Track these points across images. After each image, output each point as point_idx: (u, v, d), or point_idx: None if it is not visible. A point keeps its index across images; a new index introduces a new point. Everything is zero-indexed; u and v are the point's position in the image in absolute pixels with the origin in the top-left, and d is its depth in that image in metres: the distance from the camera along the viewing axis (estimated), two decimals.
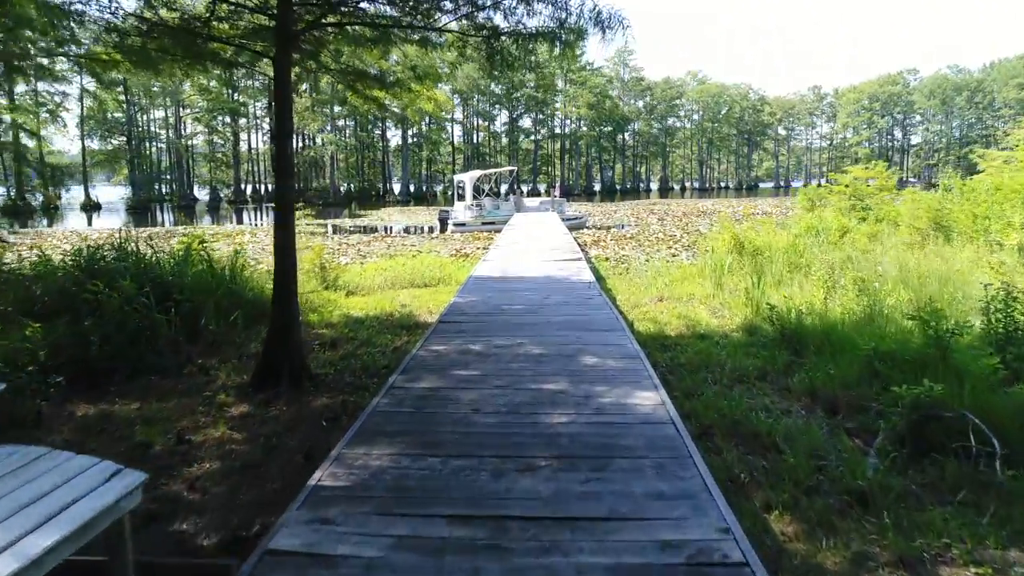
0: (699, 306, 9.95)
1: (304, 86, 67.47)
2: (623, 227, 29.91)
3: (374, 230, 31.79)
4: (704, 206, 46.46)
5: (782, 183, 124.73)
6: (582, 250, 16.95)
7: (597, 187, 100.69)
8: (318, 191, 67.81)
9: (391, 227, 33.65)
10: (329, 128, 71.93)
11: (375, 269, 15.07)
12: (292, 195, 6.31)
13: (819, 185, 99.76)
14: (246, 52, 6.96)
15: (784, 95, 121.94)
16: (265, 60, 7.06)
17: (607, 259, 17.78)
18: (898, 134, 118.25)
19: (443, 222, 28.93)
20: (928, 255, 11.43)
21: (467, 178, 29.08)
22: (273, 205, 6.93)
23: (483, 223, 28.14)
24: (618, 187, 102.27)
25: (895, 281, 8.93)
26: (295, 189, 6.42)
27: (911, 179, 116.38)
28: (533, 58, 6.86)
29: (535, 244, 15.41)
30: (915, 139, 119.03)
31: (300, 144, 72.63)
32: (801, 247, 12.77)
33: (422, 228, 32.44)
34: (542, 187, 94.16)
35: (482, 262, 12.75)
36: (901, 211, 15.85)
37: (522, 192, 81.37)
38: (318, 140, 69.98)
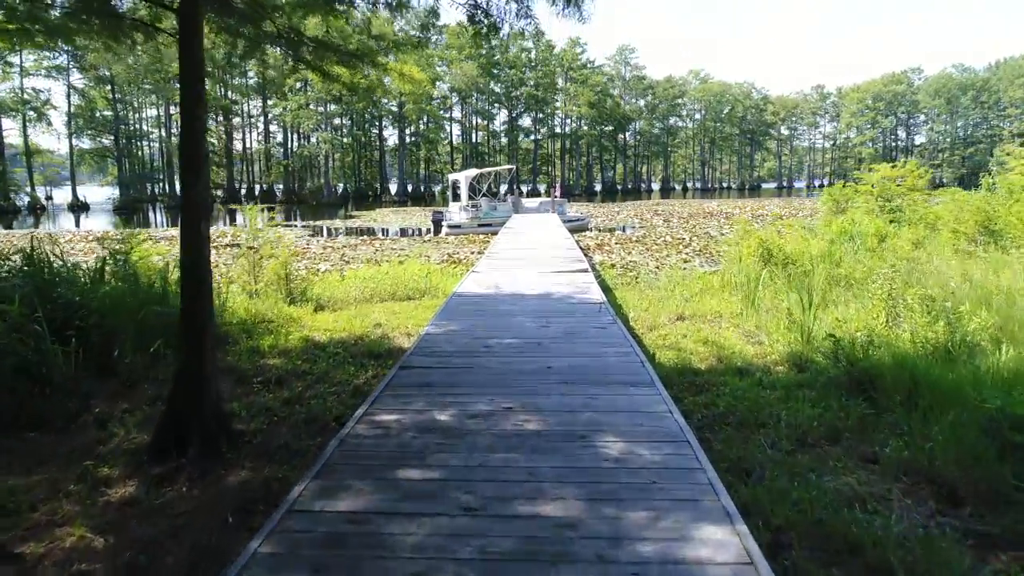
0: (728, 328, 8.35)
1: (298, 84, 65.99)
2: (627, 229, 28.32)
3: (364, 232, 30.19)
4: (709, 207, 44.87)
5: (784, 183, 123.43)
6: (586, 256, 15.38)
7: (598, 187, 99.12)
8: (312, 191, 66.18)
9: (385, 229, 32.05)
10: (325, 127, 70.35)
11: (355, 278, 13.47)
12: (206, 194, 4.66)
13: (829, 185, 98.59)
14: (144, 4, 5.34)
15: (787, 94, 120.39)
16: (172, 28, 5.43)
17: (613, 266, 16.18)
18: (902, 134, 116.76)
19: (437, 224, 27.33)
20: (988, 265, 9.82)
21: (462, 177, 27.48)
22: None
23: (479, 225, 26.55)
24: (619, 187, 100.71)
25: (970, 299, 7.33)
26: (209, 186, 4.70)
27: None
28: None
29: (533, 251, 13.74)
30: (919, 139, 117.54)
31: (294, 143, 71.10)
32: (838, 255, 11.18)
33: (416, 230, 30.84)
34: (542, 187, 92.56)
35: (471, 273, 11.06)
36: (940, 213, 14.25)
37: (521, 192, 79.84)
38: (313, 139, 68.26)
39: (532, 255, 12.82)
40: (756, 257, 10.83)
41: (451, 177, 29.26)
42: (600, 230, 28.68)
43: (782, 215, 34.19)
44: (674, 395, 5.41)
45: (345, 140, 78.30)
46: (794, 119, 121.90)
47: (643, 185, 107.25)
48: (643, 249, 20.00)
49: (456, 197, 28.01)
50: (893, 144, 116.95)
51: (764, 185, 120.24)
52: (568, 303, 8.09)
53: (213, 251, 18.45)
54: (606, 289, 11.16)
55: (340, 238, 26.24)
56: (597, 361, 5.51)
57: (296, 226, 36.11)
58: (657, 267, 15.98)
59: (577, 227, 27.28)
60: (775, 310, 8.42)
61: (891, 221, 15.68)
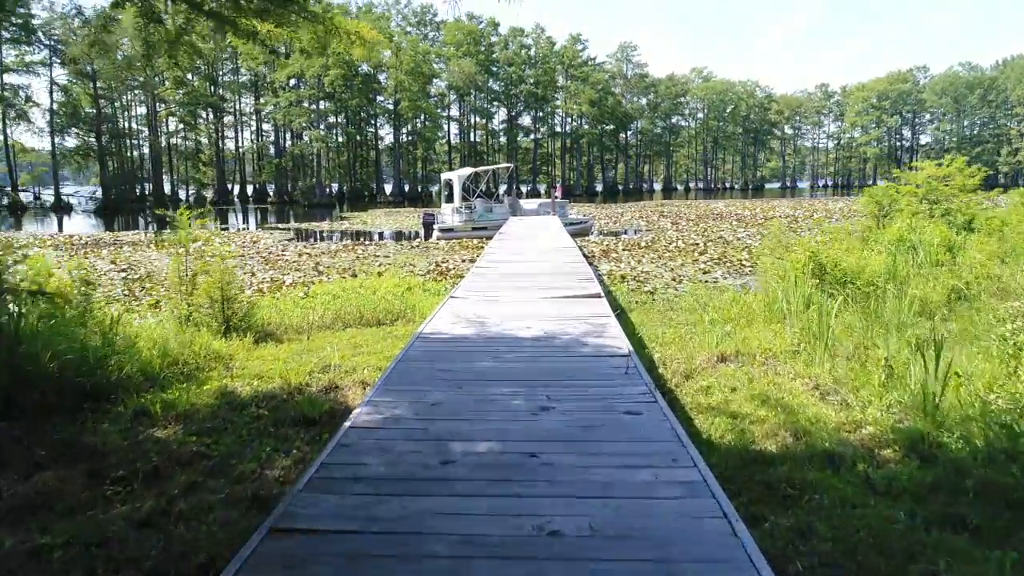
0: (789, 376, 6.26)
1: (292, 81, 63.87)
2: (634, 233, 26.24)
3: (351, 236, 28.10)
4: (717, 208, 42.80)
5: (788, 184, 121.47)
6: (591, 263, 13.29)
7: (599, 187, 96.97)
8: (304, 191, 64.05)
9: (372, 232, 29.97)
10: (318, 125, 68.21)
11: (321, 295, 11.40)
12: None
13: (826, 187, 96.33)
14: None
15: (791, 93, 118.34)
16: None
17: (624, 278, 14.09)
18: (907, 133, 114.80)
19: (427, 227, 25.24)
20: None
21: (455, 176, 25.38)
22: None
23: (474, 228, 24.47)
24: (620, 188, 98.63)
25: None
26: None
27: None
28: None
29: (531, 264, 11.48)
30: (924, 139, 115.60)
31: (288, 141, 68.96)
32: (904, 271, 9.10)
33: (407, 233, 28.75)
34: (542, 187, 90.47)
35: (450, 299, 8.40)
36: (1009, 218, 12.17)
37: (520, 193, 77.76)
38: (305, 137, 66.14)
39: (529, 270, 10.55)
40: (805, 273, 8.73)
41: (444, 176, 27.12)
42: (604, 234, 26.61)
43: (812, 215, 32.12)
44: (748, 513, 3.37)
45: (340, 139, 76.30)
46: (798, 118, 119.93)
47: (645, 185, 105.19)
48: (654, 257, 17.91)
49: (449, 198, 25.94)
50: (898, 144, 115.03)
51: (767, 185, 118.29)
52: (578, 355, 5.43)
53: (149, 262, 16.25)
54: (622, 310, 9.09)
55: (322, 243, 24.15)
56: (638, 510, 2.85)
57: (280, 228, 34.01)
58: (674, 280, 13.90)
59: (579, 231, 25.21)
60: (855, 354, 6.32)
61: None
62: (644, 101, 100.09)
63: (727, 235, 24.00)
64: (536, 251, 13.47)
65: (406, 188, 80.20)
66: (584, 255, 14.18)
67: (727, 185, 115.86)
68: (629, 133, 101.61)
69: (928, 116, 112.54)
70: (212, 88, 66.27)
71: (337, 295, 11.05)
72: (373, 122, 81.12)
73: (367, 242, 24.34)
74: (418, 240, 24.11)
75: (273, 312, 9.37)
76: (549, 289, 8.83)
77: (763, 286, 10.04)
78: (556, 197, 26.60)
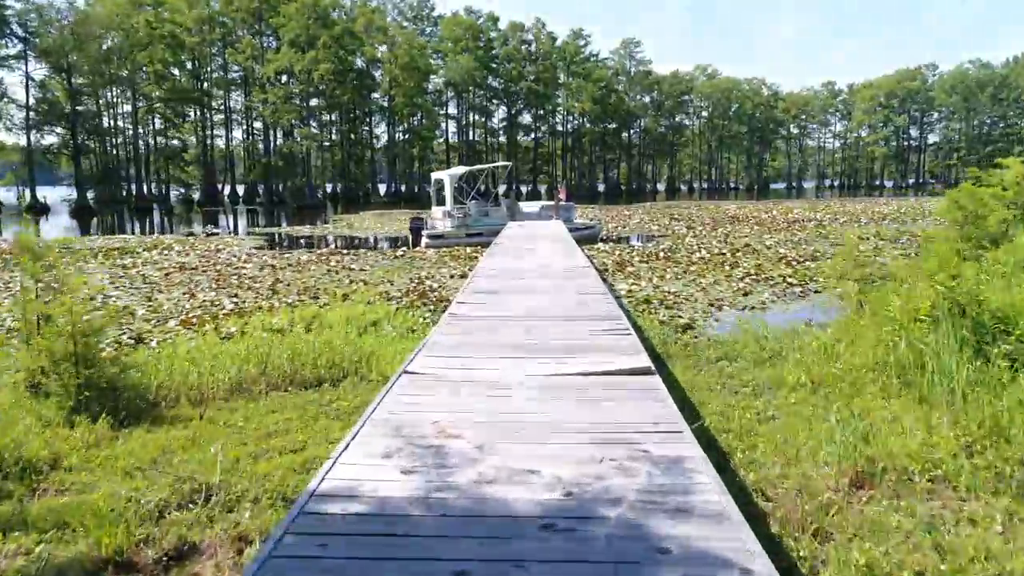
0: (995, 520, 3.49)
1: (284, 78, 61.09)
2: (647, 240, 23.45)
3: (332, 241, 25.34)
4: (730, 211, 39.99)
5: (793, 184, 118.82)
6: (604, 280, 10.48)
7: (601, 188, 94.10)
8: (293, 192, 61.20)
9: (361, 237, 27.19)
10: (308, 122, 65.42)
11: (254, 332, 8.63)
12: None
13: (832, 187, 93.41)
14: None
15: (797, 91, 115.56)
16: None
17: (647, 301, 11.29)
18: (914, 132, 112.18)
19: (415, 232, 22.44)
20: None
21: (447, 176, 22.56)
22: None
23: (467, 235, 21.68)
24: (623, 188, 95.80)
25: None
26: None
27: (929, 179, 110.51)
28: None
29: (533, 299, 8.22)
30: (932, 138, 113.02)
31: (278, 139, 66.12)
32: None
33: (396, 239, 25.98)
34: (543, 188, 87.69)
35: (395, 387, 4.72)
36: None
37: (520, 194, 74.92)
38: (295, 135, 63.30)
39: (531, 309, 7.28)
40: (939, 316, 5.93)
41: (434, 176, 24.22)
42: (613, 240, 23.83)
43: (835, 218, 29.23)
44: None
45: (333, 137, 73.54)
46: (804, 117, 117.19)
47: (648, 186, 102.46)
48: (678, 271, 15.12)
49: (440, 200, 23.15)
50: (906, 143, 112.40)
51: (772, 186, 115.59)
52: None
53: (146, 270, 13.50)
54: (658, 360, 6.32)
55: (297, 251, 21.37)
56: None
57: (262, 233, 31.22)
58: (711, 304, 11.11)
59: (586, 236, 22.44)
60: None
61: None
62: (647, 99, 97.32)
63: (752, 242, 21.21)
64: (539, 272, 10.53)
65: (402, 188, 77.44)
66: (596, 269, 11.37)
67: (732, 185, 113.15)
68: (632, 132, 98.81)
69: (936, 115, 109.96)
70: (198, 84, 63.44)
71: (271, 334, 8.27)
72: (368, 120, 78.35)
73: (347, 250, 21.55)
74: (404, 249, 21.31)
75: (168, 368, 6.59)
76: (564, 356, 5.46)
77: (846, 322, 7.28)
78: (560, 199, 23.80)
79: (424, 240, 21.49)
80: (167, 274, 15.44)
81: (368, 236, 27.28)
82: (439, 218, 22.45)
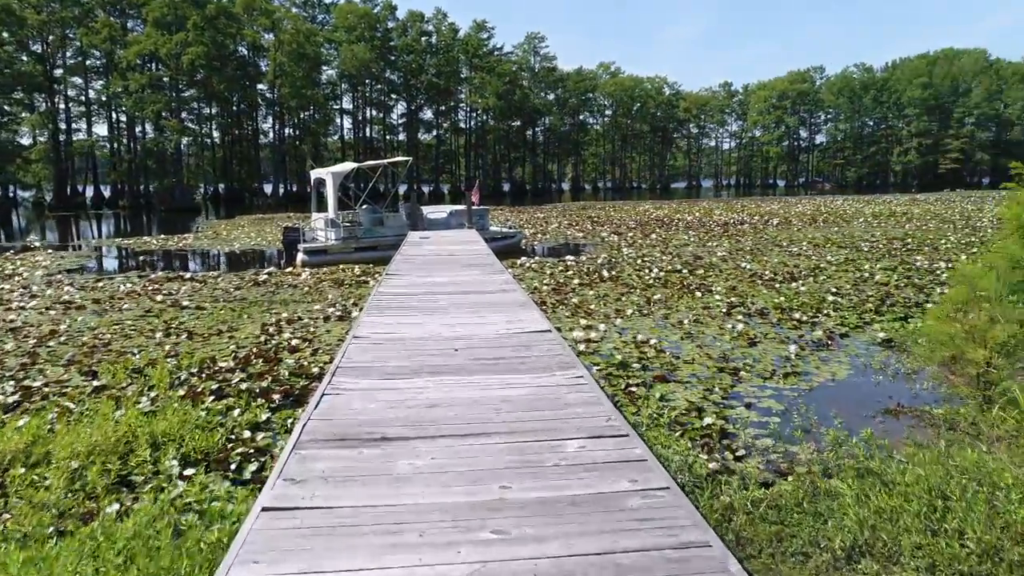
0: None
1: (139, 60, 53.63)
2: (576, 250, 19.71)
3: (184, 257, 20.10)
4: (650, 212, 37.16)
5: (694, 183, 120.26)
6: (551, 323, 6.47)
7: (506, 187, 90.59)
8: (160, 193, 53.78)
9: (224, 252, 22.00)
10: (183, 115, 58.07)
11: None
12: None
13: (728, 186, 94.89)
14: None
15: (696, 91, 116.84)
16: None
17: (623, 367, 7.37)
18: (804, 133, 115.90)
19: (289, 246, 17.73)
20: None
21: (329, 175, 17.90)
22: None
23: (357, 249, 17.22)
24: (528, 187, 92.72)
25: None
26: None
27: (817, 178, 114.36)
28: None
29: (452, 381, 4.18)
30: (819, 138, 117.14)
31: (147, 134, 58.26)
32: None
33: (270, 253, 21.06)
34: (445, 188, 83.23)
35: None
36: None
37: (422, 196, 70.19)
38: (165, 129, 55.82)
39: (449, 411, 3.54)
40: None
41: (313, 175, 19.36)
42: (537, 253, 20.00)
43: (769, 220, 26.44)
44: None
45: (212, 132, 66.18)
46: (703, 117, 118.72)
47: (554, 185, 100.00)
48: (637, 300, 11.38)
49: (322, 205, 18.52)
50: (796, 143, 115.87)
51: (673, 184, 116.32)
52: None
53: None
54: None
55: (125, 275, 16.21)
56: None
57: (76, 247, 25.31)
58: (720, 370, 7.33)
59: (506, 248, 18.50)
60: None
61: None
62: (552, 96, 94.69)
63: (700, 253, 17.93)
64: (454, 344, 5.66)
65: (293, 188, 70.82)
66: (536, 306, 7.29)
67: (635, 185, 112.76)
68: (537, 130, 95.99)
69: (824, 116, 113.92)
70: (47, 69, 54.77)
71: None
72: (253, 114, 71.18)
73: (194, 273, 16.56)
74: (273, 269, 16.51)
75: None
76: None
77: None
78: (472, 203, 19.65)
79: (300, 256, 16.82)
80: None
81: (235, 249, 22.11)
82: (320, 228, 17.80)
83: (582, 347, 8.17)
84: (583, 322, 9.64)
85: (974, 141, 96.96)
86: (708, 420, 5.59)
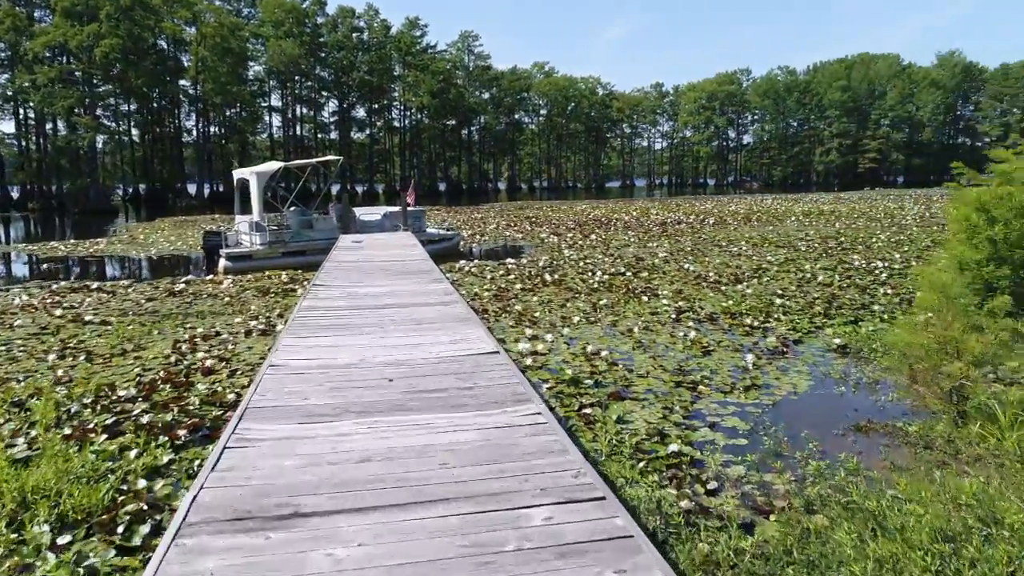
0: None
1: (47, 51, 50.20)
2: (515, 251, 19.16)
3: (92, 263, 18.51)
4: (588, 211, 37.04)
5: (628, 182, 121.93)
6: (493, 336, 5.85)
7: (442, 187, 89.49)
8: (72, 194, 50.47)
9: (140, 257, 20.45)
10: (98, 111, 54.65)
11: None
12: None
13: (661, 185, 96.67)
14: None
15: (629, 91, 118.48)
16: None
17: (574, 383, 6.83)
18: (732, 133, 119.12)
19: (210, 252, 16.53)
20: None
21: (252, 175, 16.76)
22: None
23: (285, 254, 16.18)
24: (465, 187, 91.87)
25: None
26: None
27: (745, 177, 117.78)
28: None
29: (383, 423, 3.47)
30: (747, 138, 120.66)
31: (59, 131, 54.58)
32: None
33: (192, 258, 19.68)
34: (380, 187, 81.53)
35: None
36: None
37: (355, 196, 68.34)
38: (77, 126, 52.41)
39: (384, 448, 2.87)
40: None
41: (236, 175, 18.16)
42: (475, 255, 19.35)
43: (705, 219, 26.38)
44: None
45: (131, 130, 62.65)
46: (635, 117, 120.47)
47: (490, 185, 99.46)
48: (583, 306, 10.91)
49: (246, 207, 17.37)
50: (725, 143, 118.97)
51: (608, 184, 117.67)
52: None
53: None
54: None
55: (13, 290, 14.73)
56: None
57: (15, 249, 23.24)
58: (677, 384, 6.87)
59: (444, 251, 17.80)
60: None
61: None
62: (487, 95, 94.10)
63: (642, 254, 17.68)
64: (388, 372, 4.85)
65: (220, 189, 67.84)
66: (475, 314, 6.64)
67: (570, 184, 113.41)
68: (472, 129, 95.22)
69: (751, 117, 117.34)
70: None
71: None
72: (175, 111, 67.82)
73: (102, 283, 15.21)
74: (192, 277, 15.31)
75: None
76: None
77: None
78: (408, 204, 18.82)
79: (222, 263, 15.66)
80: None
81: (152, 255, 20.57)
82: (244, 231, 16.66)
83: (529, 361, 7.59)
84: (528, 332, 9.06)
85: (890, 142, 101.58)
86: (673, 447, 5.07)
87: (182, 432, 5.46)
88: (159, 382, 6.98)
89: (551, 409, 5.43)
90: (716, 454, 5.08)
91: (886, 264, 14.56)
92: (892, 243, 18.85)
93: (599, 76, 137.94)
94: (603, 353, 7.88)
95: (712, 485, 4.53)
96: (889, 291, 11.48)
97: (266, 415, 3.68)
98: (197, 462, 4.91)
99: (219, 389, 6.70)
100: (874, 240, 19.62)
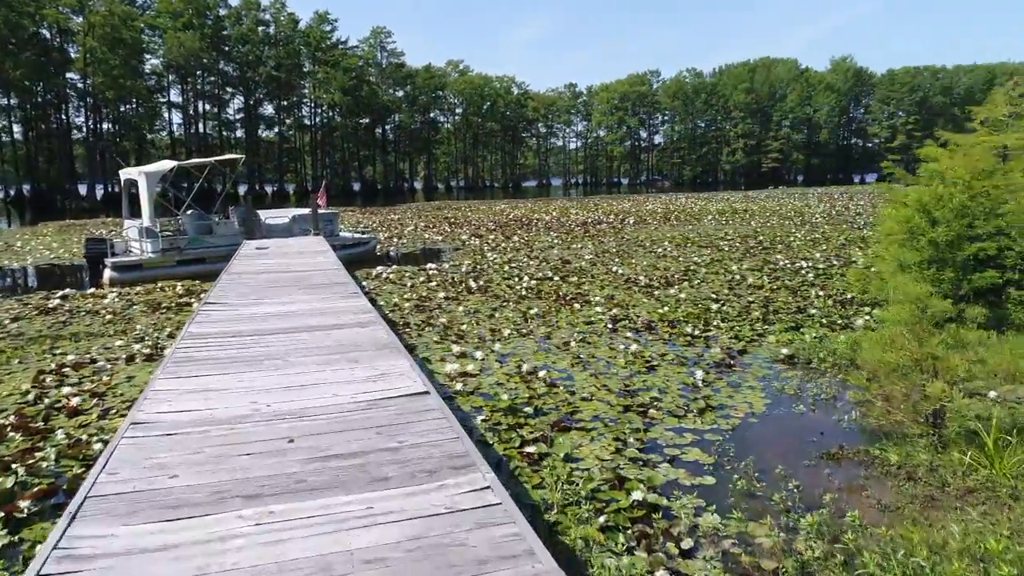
0: None
1: None
2: (434, 254, 18.19)
3: None
4: (507, 212, 36.41)
5: (544, 181, 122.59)
6: (415, 359, 4.94)
7: (356, 187, 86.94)
8: None
9: (13, 267, 18.18)
10: None
11: None
12: None
13: (576, 184, 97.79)
14: None
15: (543, 91, 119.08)
16: None
17: (511, 411, 6.05)
18: (644, 134, 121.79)
19: (94, 261, 14.75)
20: None
21: (141, 175, 15.07)
22: None
23: (180, 262, 14.63)
24: (380, 187, 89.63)
25: None
26: None
27: (656, 176, 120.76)
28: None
29: (270, 535, 2.47)
30: (657, 138, 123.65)
31: None
32: None
33: (76, 267, 17.66)
34: (291, 188, 78.33)
35: None
36: None
37: (264, 196, 65.19)
38: None
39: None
40: None
41: (123, 175, 16.30)
42: (393, 259, 18.27)
43: (624, 219, 26.04)
44: None
45: (12, 126, 57.34)
46: (550, 117, 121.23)
47: (406, 185, 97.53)
48: (512, 316, 10.14)
49: (134, 211, 15.65)
50: (637, 143, 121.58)
51: (524, 183, 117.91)
52: None
53: None
54: None
55: None
56: None
57: None
58: (624, 409, 6.20)
59: (359, 255, 16.66)
60: None
61: None
62: (401, 93, 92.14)
63: (568, 256, 17.13)
64: (288, 428, 3.78)
65: (114, 189, 63.09)
66: (390, 323, 5.69)
67: (487, 184, 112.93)
68: (387, 128, 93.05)
69: (661, 117, 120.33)
70: None
71: None
72: (63, 106, 62.66)
73: None
74: (71, 290, 13.54)
75: None
76: None
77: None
78: (319, 205, 17.53)
79: (107, 273, 13.97)
80: None
81: (28, 264, 18.33)
82: (134, 238, 14.98)
83: (459, 385, 6.74)
84: (456, 348, 8.21)
85: (790, 142, 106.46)
86: (636, 495, 4.34)
87: (24, 503, 4.30)
88: (8, 429, 5.70)
89: (496, 465, 4.62)
90: (684, 498, 4.40)
91: (810, 264, 14.54)
92: (809, 241, 19.09)
93: (514, 76, 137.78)
94: (540, 373, 7.13)
95: (686, 544, 3.83)
96: (820, 292, 11.31)
97: (113, 508, 2.68)
98: (39, 545, 3.81)
99: (84, 437, 5.51)
100: (791, 239, 19.85)
